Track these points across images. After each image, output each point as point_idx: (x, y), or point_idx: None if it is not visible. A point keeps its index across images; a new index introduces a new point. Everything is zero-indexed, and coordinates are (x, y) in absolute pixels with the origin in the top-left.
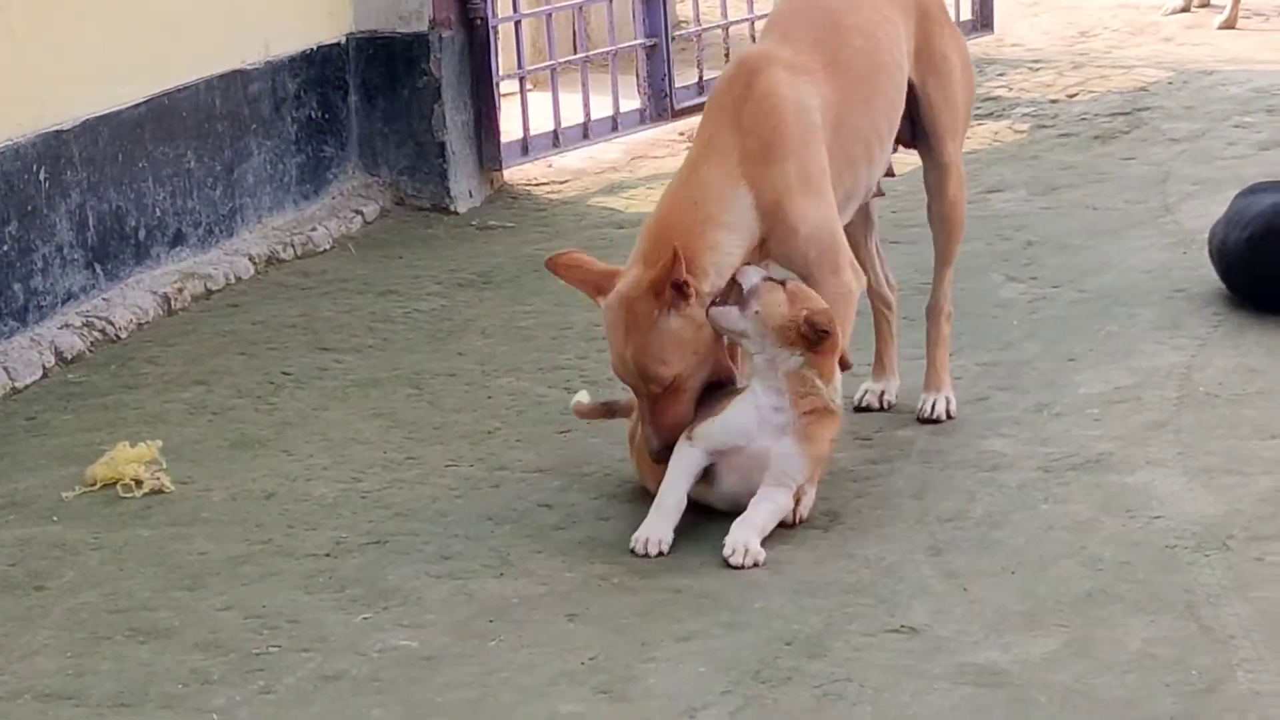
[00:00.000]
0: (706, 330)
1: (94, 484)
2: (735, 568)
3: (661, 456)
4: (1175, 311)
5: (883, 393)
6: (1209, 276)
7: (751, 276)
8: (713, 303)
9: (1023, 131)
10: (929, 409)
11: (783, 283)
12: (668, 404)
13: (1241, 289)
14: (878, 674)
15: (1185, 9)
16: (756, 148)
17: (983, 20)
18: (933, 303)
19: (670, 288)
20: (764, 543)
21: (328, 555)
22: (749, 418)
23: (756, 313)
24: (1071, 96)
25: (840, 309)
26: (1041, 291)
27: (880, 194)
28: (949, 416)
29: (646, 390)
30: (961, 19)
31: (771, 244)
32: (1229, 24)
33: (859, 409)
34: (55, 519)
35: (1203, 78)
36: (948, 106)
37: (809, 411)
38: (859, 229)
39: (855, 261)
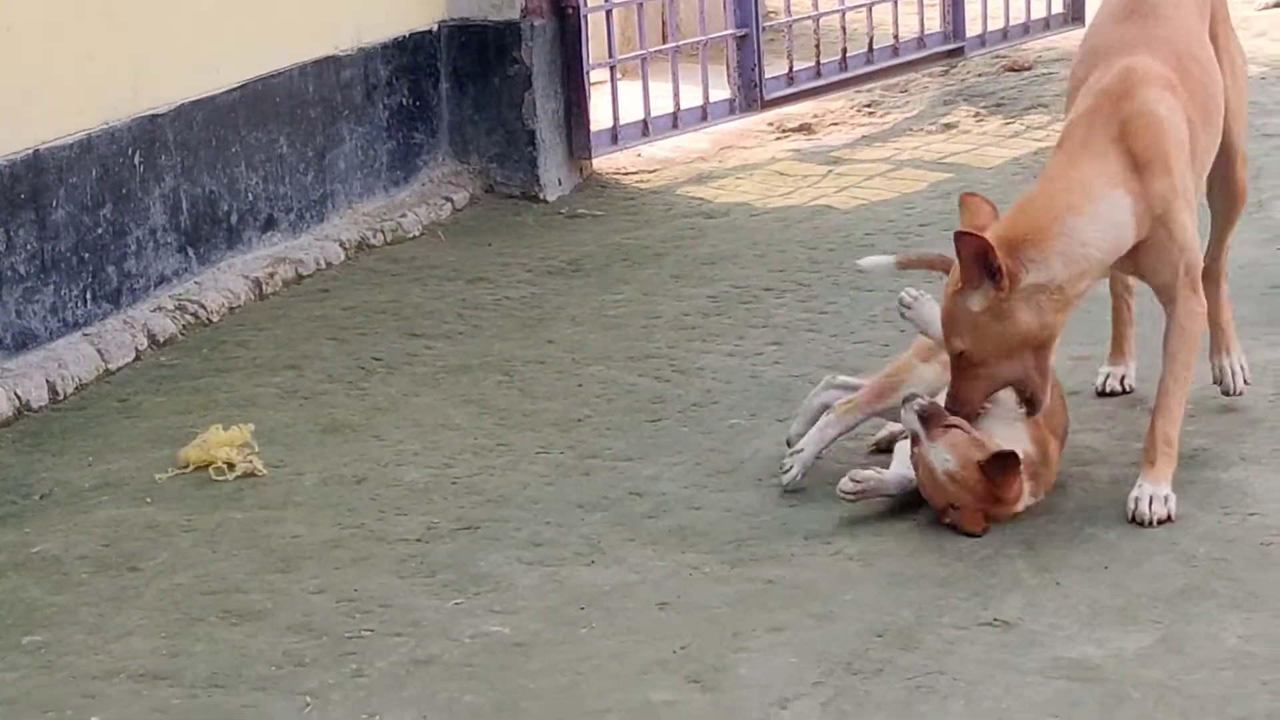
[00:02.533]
0: (1014, 326)
1: (187, 466)
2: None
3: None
4: (1271, 308)
5: (1124, 376)
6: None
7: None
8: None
9: None
10: (1228, 375)
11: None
12: (960, 378)
13: None
14: (970, 667)
15: (1278, 4)
16: (1140, 159)
17: (1074, 13)
18: (1216, 269)
19: (979, 268)
20: (858, 535)
21: (419, 540)
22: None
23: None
24: None
25: (1193, 327)
26: (1135, 285)
27: None
28: (1245, 381)
29: (949, 351)
30: (1052, 11)
31: (1146, 254)
32: None
33: (1101, 394)
34: (149, 500)
35: None
36: (1238, 99)
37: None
38: None
39: None
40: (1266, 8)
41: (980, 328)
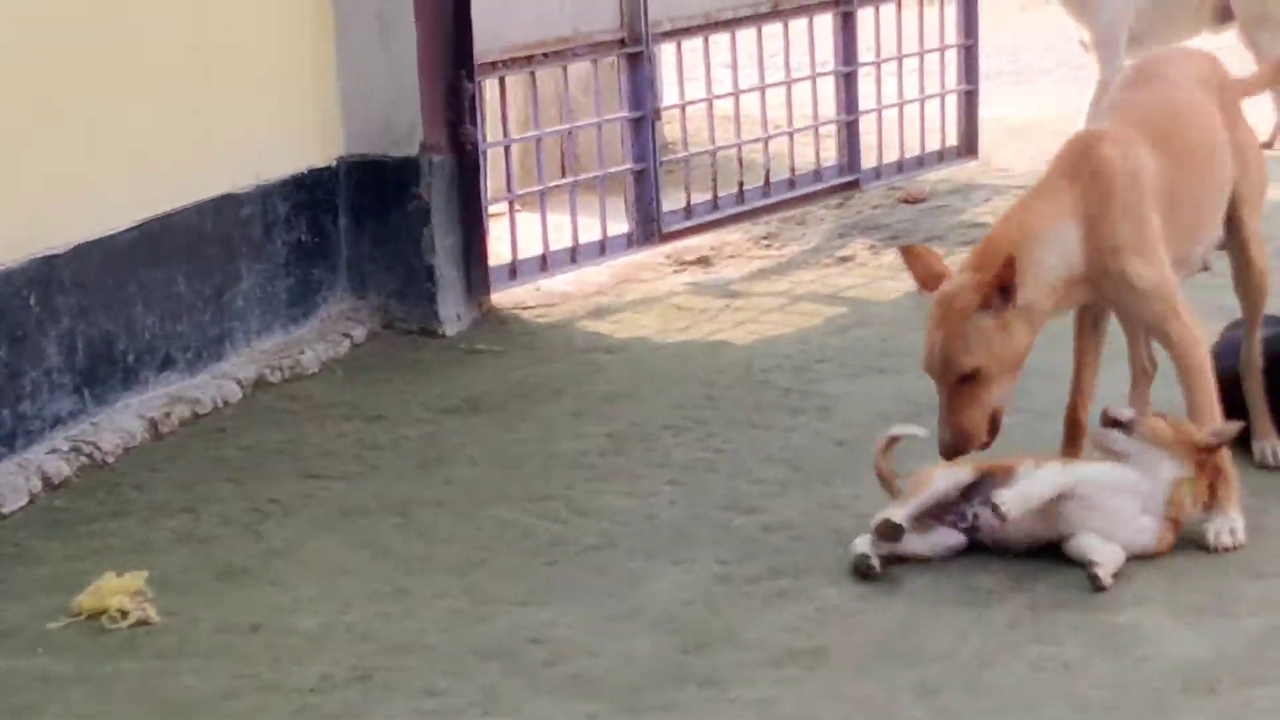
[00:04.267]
0: (1014, 341)
1: (80, 614)
2: None
3: (951, 454)
4: None
5: None
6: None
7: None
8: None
9: None
10: (1267, 456)
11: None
12: (964, 400)
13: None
14: None
15: None
16: (1090, 200)
17: (967, 146)
18: (1248, 360)
19: (996, 289)
20: (756, 682)
21: (314, 691)
22: (1127, 476)
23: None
24: None
25: (1192, 352)
26: (1019, 420)
27: (1207, 267)
28: None
29: (947, 381)
30: (946, 144)
31: (1108, 293)
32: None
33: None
34: (40, 650)
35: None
36: (1249, 185)
37: (1173, 517)
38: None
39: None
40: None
41: (991, 341)
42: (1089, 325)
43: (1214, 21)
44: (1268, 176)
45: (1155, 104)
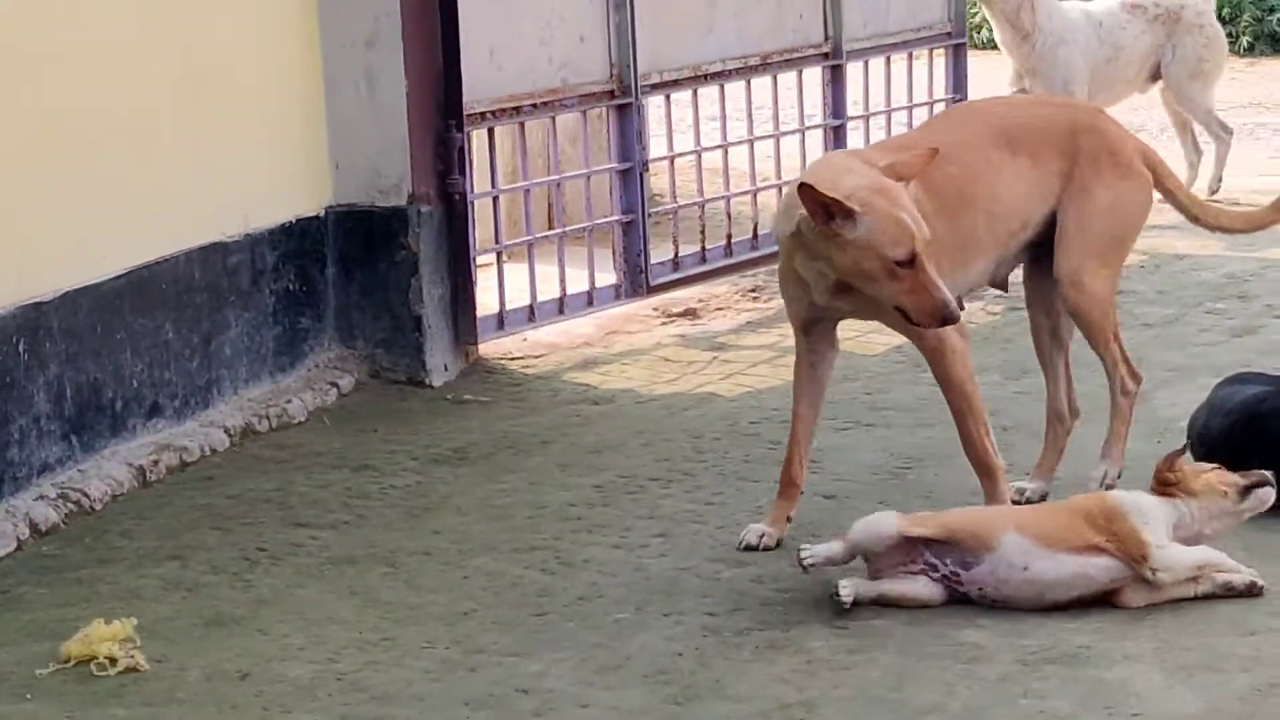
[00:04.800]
0: None
1: (68, 661)
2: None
3: (957, 316)
4: None
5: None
6: None
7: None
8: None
9: (996, 314)
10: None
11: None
12: (934, 279)
13: None
14: None
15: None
16: None
17: None
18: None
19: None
20: None
21: None
22: None
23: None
24: None
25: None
26: (1016, 480)
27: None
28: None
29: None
30: None
31: None
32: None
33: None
34: (29, 696)
35: (1175, 262)
36: (1077, 229)
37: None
38: (1047, 345)
39: None
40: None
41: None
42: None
43: (1148, 82)
44: (1116, 229)
45: (920, 140)
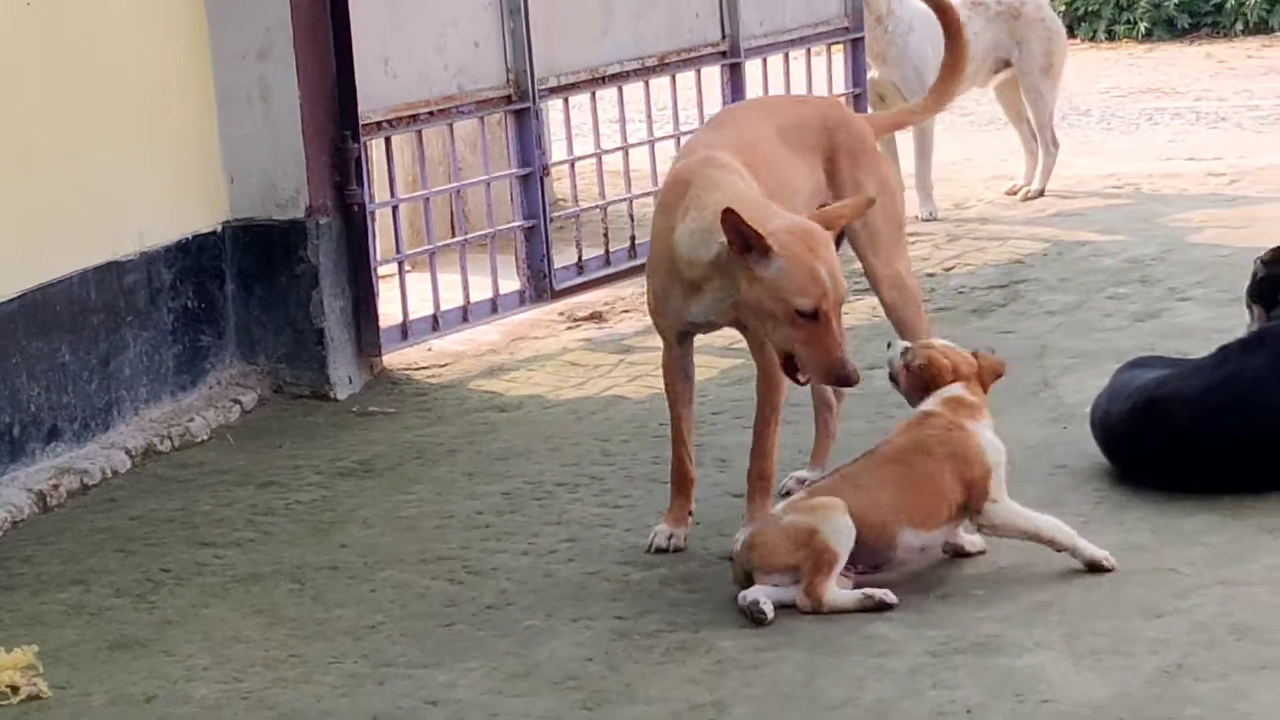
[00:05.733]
0: None
1: None
2: None
3: (856, 380)
4: (1057, 488)
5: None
6: (1090, 452)
7: None
8: None
9: None
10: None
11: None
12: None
13: (1122, 461)
14: None
15: (1041, 193)
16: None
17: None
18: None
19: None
20: None
21: None
22: None
23: None
24: (948, 270)
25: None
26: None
27: None
28: None
29: (837, 309)
30: None
31: None
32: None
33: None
34: None
35: (1077, 248)
36: (871, 224)
37: None
38: None
39: None
40: (1030, 198)
41: None
42: None
43: (993, 73)
44: (895, 213)
45: (738, 141)
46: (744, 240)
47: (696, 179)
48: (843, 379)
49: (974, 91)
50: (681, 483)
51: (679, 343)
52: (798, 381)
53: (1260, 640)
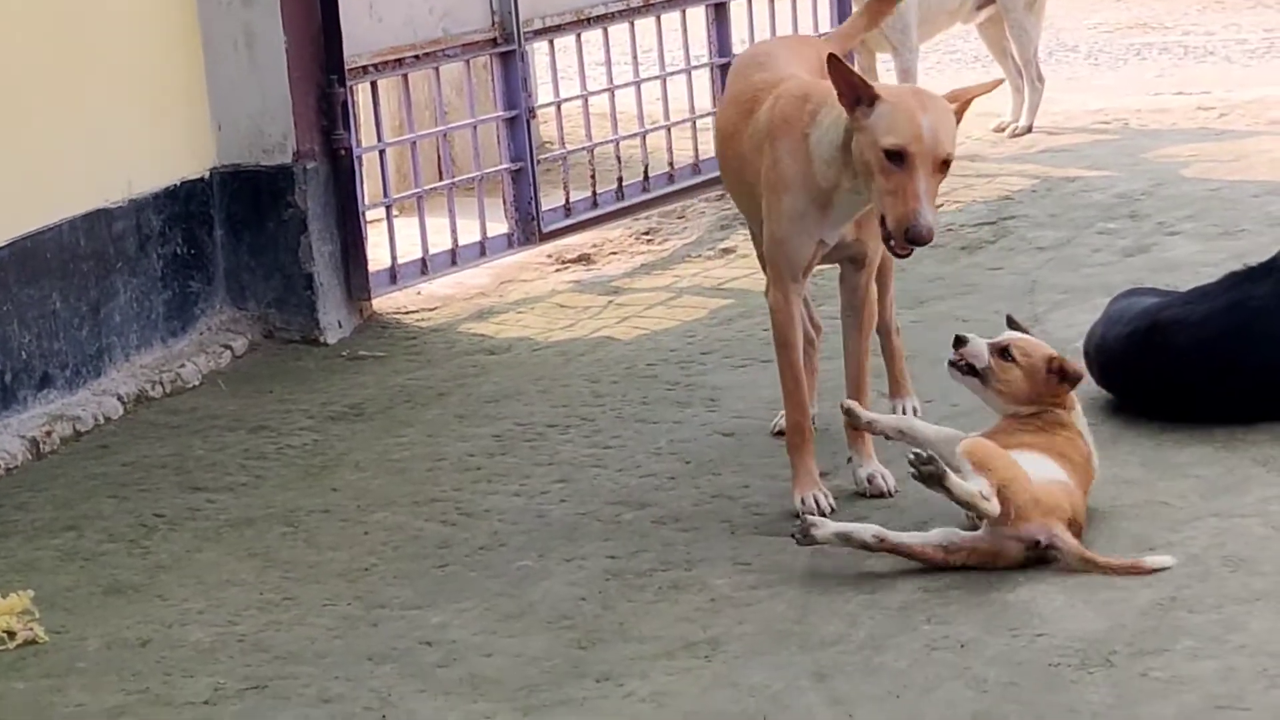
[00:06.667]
0: None
1: None
2: None
3: (930, 237)
4: None
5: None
6: (1081, 388)
7: None
8: None
9: None
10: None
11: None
12: (935, 187)
13: (1119, 387)
14: None
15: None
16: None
17: None
18: (884, 324)
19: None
20: (650, 675)
21: (206, 703)
22: None
23: None
24: (937, 207)
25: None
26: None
27: None
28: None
29: (928, 165)
30: None
31: None
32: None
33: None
34: None
35: (1066, 184)
36: None
37: None
38: None
39: None
40: (1019, 134)
41: None
42: None
43: (977, 9)
44: None
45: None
46: (854, 92)
47: (812, 92)
48: (914, 234)
49: (958, 28)
50: (803, 444)
51: (803, 276)
52: (895, 254)
53: (1253, 572)
